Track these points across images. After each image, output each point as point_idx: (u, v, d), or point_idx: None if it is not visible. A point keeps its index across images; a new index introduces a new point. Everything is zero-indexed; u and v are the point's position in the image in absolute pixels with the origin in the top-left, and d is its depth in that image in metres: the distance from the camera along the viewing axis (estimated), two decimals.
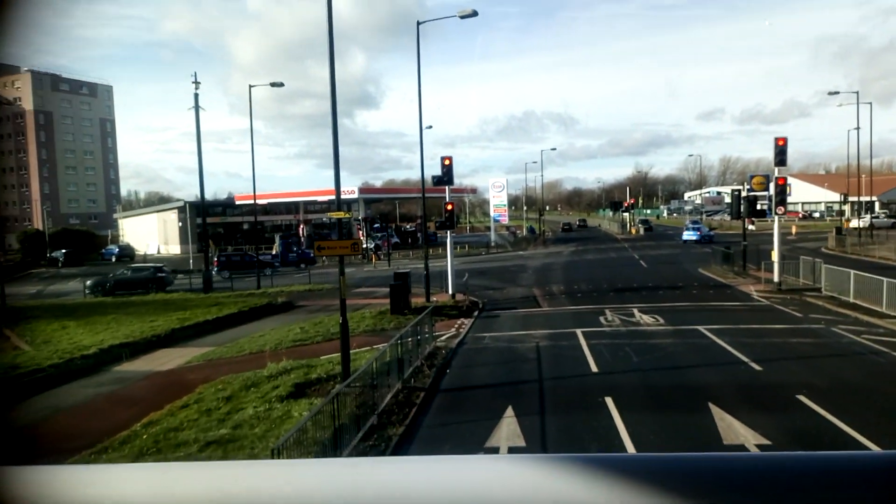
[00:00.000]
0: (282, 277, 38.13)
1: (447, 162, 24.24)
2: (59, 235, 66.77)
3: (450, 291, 25.22)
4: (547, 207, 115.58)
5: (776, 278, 24.79)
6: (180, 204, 69.39)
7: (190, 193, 66.54)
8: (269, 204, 68.78)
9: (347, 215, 16.02)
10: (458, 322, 20.54)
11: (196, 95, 32.23)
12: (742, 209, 27.59)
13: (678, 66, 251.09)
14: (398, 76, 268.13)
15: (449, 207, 24.52)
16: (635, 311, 20.87)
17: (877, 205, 75.16)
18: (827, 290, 22.40)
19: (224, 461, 0.83)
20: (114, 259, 60.81)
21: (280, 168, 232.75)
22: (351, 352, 13.34)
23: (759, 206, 27.93)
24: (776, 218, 24.97)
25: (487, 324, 20.33)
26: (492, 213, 64.50)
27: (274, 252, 49.09)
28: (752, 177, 27.13)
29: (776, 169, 24.63)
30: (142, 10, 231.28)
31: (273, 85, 34.40)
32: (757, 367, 13.41)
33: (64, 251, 57.95)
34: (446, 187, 24.83)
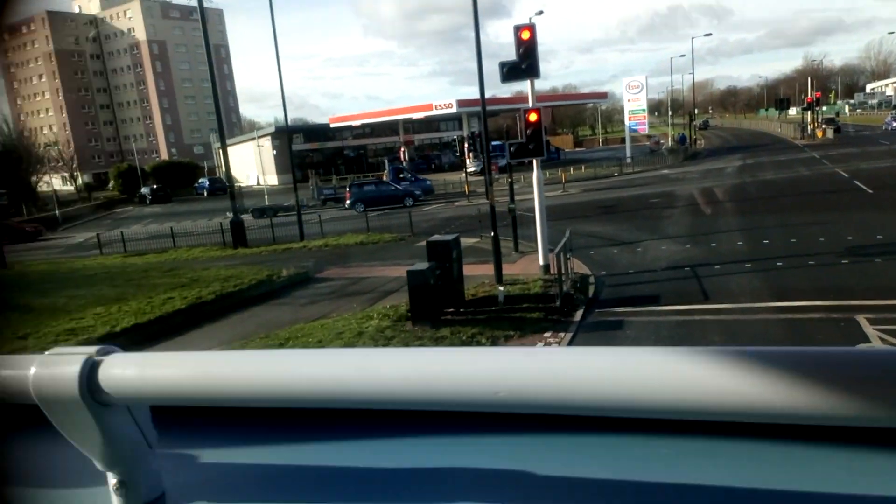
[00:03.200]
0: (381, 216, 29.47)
1: (525, 36, 13.61)
2: (159, 169, 63.61)
3: (540, 258, 15.19)
4: (696, 111, 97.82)
5: None
6: (272, 130, 63.26)
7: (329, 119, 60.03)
8: (363, 125, 60.40)
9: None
10: (541, 344, 10.68)
11: None
12: None
13: None
14: None
15: (532, 118, 14.08)
16: None
17: None
18: None
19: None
20: (205, 193, 56.27)
21: (415, 88, 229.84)
22: None
23: None
24: None
25: None
26: (626, 122, 51.58)
27: (384, 179, 40.85)
28: None
29: None
30: None
31: None
32: None
33: (152, 187, 54.05)
34: (529, 82, 14.31)
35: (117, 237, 27.99)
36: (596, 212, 25.49)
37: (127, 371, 0.74)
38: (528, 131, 14.20)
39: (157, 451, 0.81)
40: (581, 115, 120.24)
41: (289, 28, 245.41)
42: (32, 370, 0.75)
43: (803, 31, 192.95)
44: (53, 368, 0.75)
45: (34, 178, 55.53)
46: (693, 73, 61.66)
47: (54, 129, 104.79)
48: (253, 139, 65.99)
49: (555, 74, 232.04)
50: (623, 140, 57.20)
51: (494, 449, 0.88)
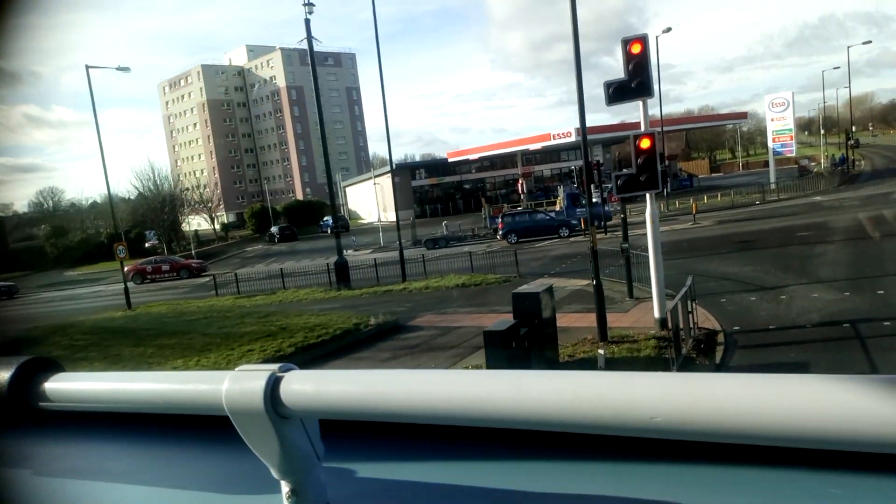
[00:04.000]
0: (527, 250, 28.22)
1: (635, 49, 11.58)
2: (289, 209, 66.57)
3: (655, 310, 12.82)
4: (854, 128, 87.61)
5: None
6: (392, 167, 64.30)
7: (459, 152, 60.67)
8: (480, 158, 59.57)
9: None
10: None
11: (307, 21, 23.59)
12: None
13: None
14: (662, 1, 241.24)
15: (644, 144, 11.93)
16: None
17: None
18: None
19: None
20: (329, 231, 57.86)
21: (542, 118, 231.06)
22: None
23: None
24: None
25: None
26: (770, 143, 46.50)
27: (558, 208, 39.11)
28: None
29: None
30: None
31: None
32: None
33: (281, 226, 56.37)
34: (641, 103, 12.22)
35: (235, 278, 28.65)
36: (732, 248, 22.29)
37: (304, 386, 0.80)
38: (639, 160, 12.06)
39: (323, 463, 0.86)
40: (719, 137, 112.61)
41: (420, 68, 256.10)
42: (225, 385, 0.83)
43: None
44: (243, 383, 0.82)
45: (180, 219, 60.00)
46: (850, 87, 54.92)
47: (205, 173, 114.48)
48: (376, 177, 67.55)
49: (691, 96, 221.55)
50: (766, 163, 51.80)
51: (645, 477, 0.85)
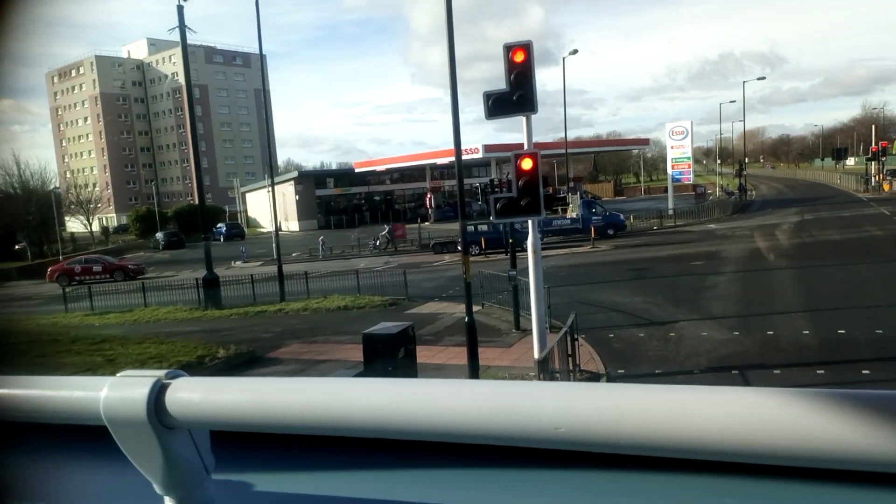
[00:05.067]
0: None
1: (518, 58, 10.23)
2: (181, 213, 62.19)
3: (535, 350, 11.46)
4: (747, 160, 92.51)
5: None
6: (295, 174, 61.48)
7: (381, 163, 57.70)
8: (388, 170, 57.91)
9: None
10: None
11: (180, 8, 21.12)
12: None
13: None
14: (579, 29, 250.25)
15: (525, 165, 10.58)
16: None
17: None
18: None
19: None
20: (222, 239, 54.29)
21: (461, 134, 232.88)
22: None
23: None
24: None
25: None
26: (669, 170, 47.52)
27: (572, 215, 36.67)
28: None
29: None
30: None
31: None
32: None
33: (167, 232, 52.27)
34: (525, 118, 10.90)
35: (97, 291, 25.34)
36: (625, 275, 21.62)
37: (192, 395, 0.75)
38: (520, 182, 10.69)
39: (214, 476, 0.81)
40: (625, 162, 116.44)
41: (342, 76, 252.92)
42: (104, 392, 0.77)
43: (860, 79, 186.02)
44: (124, 391, 0.76)
45: (58, 220, 54.49)
46: (744, 120, 57.54)
47: (94, 171, 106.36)
48: (279, 183, 64.36)
49: (602, 121, 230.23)
50: (666, 189, 53.07)
51: (554, 484, 0.83)
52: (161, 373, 0.77)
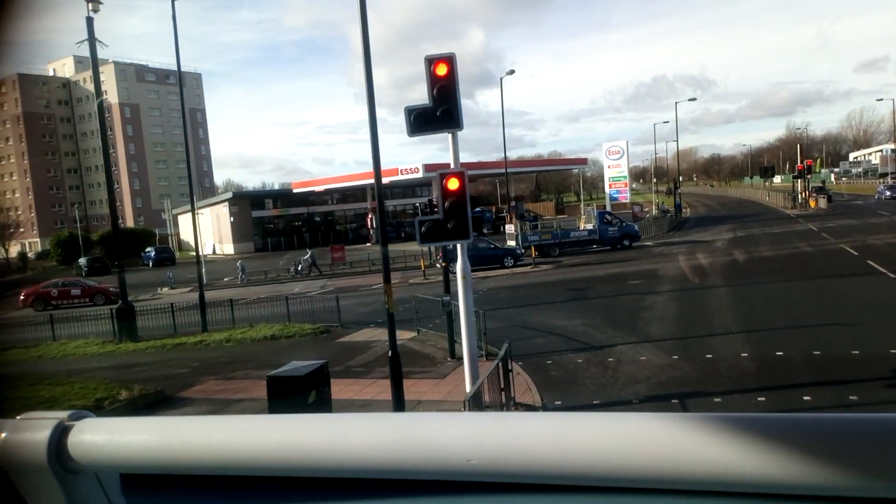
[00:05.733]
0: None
1: (441, 71, 9.56)
2: (108, 238, 58.97)
3: (467, 384, 10.69)
4: (681, 178, 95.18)
5: None
6: (229, 195, 59.47)
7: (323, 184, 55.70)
8: (327, 190, 56.64)
9: None
10: None
11: (90, 20, 19.74)
12: None
13: (824, 16, 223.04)
14: (520, 52, 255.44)
15: (451, 185, 9.89)
16: None
17: None
18: None
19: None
20: (150, 264, 51.73)
21: (406, 154, 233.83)
22: None
23: None
24: None
25: None
26: (607, 189, 48.05)
27: (587, 227, 35.64)
28: None
29: None
30: (272, 13, 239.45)
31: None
32: None
33: (91, 258, 49.37)
34: (451, 135, 10.21)
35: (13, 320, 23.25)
36: (565, 296, 21.21)
37: (97, 437, 0.71)
38: (446, 203, 9.97)
39: None
40: (566, 181, 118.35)
41: (283, 96, 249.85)
42: (2, 435, 0.73)
43: (784, 101, 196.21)
44: (23, 434, 0.72)
45: None
46: (677, 140, 58.91)
47: (17, 194, 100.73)
48: (212, 205, 62.05)
49: (543, 142, 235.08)
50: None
51: None
52: (64, 414, 0.73)
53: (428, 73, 9.68)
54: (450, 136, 10.32)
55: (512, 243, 34.24)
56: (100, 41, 20.23)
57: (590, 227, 35.20)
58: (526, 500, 0.75)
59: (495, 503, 0.76)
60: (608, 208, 48.46)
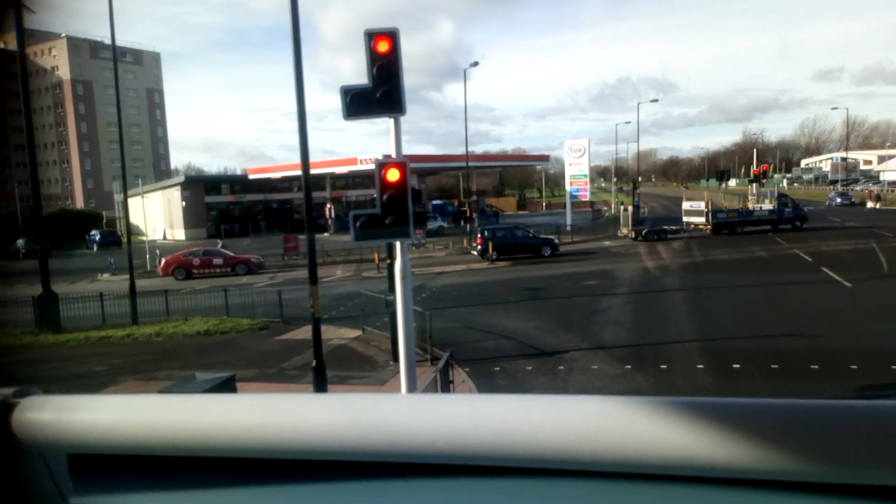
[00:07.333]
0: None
1: (382, 47, 8.65)
2: (51, 219, 56.28)
3: (403, 390, 9.84)
4: (640, 178, 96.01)
5: None
6: (181, 179, 57.37)
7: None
8: (283, 178, 55.03)
9: None
10: None
11: None
12: None
13: (786, 25, 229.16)
14: (490, 47, 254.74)
15: (391, 177, 8.99)
16: None
17: None
18: None
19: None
20: (95, 248, 49.48)
21: (373, 145, 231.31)
22: None
23: None
24: None
25: None
26: (567, 187, 47.77)
27: (768, 208, 36.99)
28: None
29: None
30: None
31: None
32: None
33: (27, 239, 46.87)
34: (393, 120, 9.31)
35: None
36: (519, 296, 20.54)
37: (43, 415, 0.69)
38: (384, 196, 9.05)
39: (74, 500, 0.76)
40: (530, 177, 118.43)
41: (250, 81, 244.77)
42: None
43: (742, 107, 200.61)
44: None
45: None
46: (638, 140, 59.18)
47: None
48: (164, 188, 59.80)
49: (509, 138, 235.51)
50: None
51: (435, 493, 0.80)
52: (8, 391, 0.70)
53: (368, 49, 8.70)
54: (392, 121, 9.40)
55: (690, 219, 36.49)
56: (27, 7, 18.63)
57: (771, 207, 36.80)
58: (493, 485, 0.74)
59: (462, 487, 0.75)
60: (568, 206, 48.25)
